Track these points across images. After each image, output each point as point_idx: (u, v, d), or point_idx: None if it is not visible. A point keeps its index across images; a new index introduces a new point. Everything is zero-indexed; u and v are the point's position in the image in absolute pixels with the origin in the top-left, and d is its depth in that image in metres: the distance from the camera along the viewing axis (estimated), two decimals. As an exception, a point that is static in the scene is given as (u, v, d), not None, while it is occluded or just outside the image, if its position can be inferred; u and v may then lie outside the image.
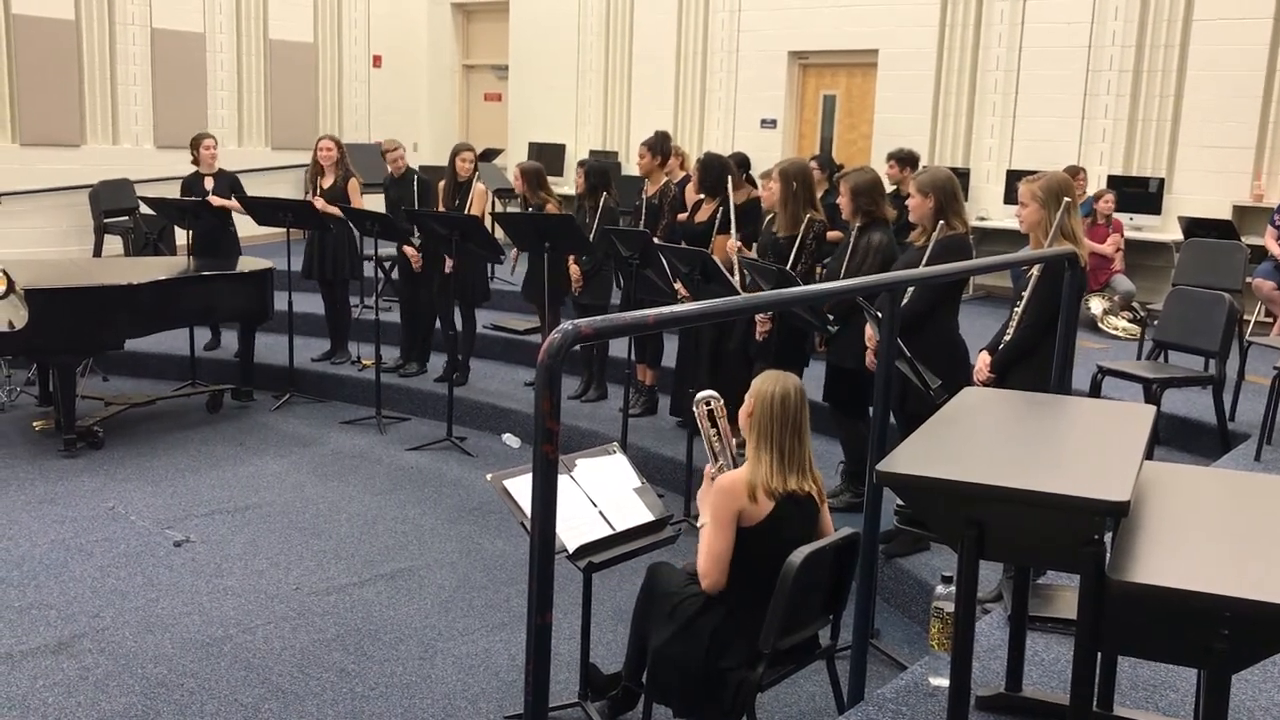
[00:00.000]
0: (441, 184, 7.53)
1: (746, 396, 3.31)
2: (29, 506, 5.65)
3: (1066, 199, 4.30)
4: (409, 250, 7.48)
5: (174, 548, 5.21)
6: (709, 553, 3.23)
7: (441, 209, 7.36)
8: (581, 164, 7.61)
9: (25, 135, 9.96)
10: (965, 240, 4.67)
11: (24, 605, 4.55)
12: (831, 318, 4.95)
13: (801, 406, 3.26)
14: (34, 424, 6.88)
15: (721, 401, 3.49)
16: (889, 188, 7.12)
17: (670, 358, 6.92)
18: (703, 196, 6.46)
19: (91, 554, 5.10)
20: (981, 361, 4.56)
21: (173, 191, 8.37)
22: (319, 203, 7.62)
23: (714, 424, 3.46)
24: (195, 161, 8.12)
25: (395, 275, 8.26)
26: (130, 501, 5.79)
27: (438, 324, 7.73)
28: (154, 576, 4.88)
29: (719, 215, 6.21)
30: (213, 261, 7.65)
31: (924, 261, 4.55)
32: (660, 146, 7.05)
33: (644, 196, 7.03)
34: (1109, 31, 9.35)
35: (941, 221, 4.61)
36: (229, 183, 8.18)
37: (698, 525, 3.40)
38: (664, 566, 3.53)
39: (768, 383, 3.27)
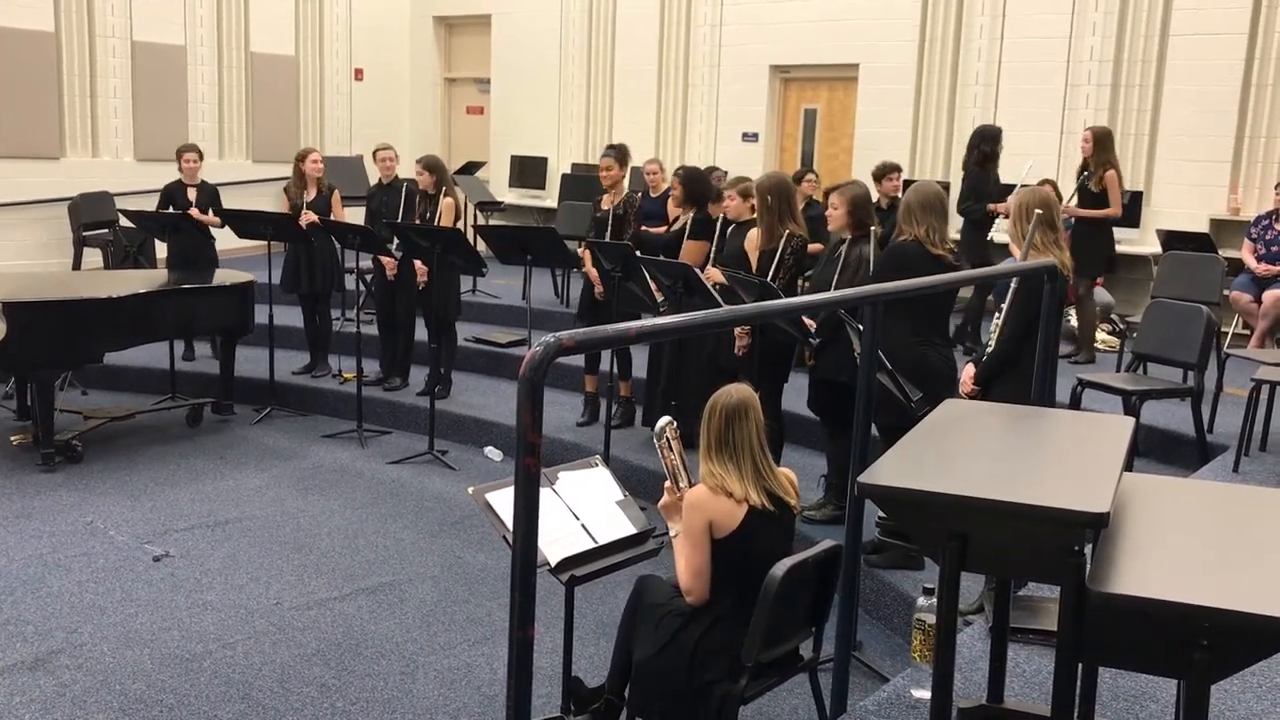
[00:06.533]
0: (418, 195, 7.51)
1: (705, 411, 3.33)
2: (6, 521, 5.60)
3: (1039, 211, 4.34)
4: (385, 259, 7.46)
5: (153, 563, 5.17)
6: (688, 568, 3.25)
7: (416, 220, 7.35)
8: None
9: (3, 147, 9.88)
10: (906, 248, 4.67)
11: (0, 621, 4.51)
12: (815, 327, 4.96)
13: (749, 417, 3.27)
14: (11, 438, 6.83)
15: (675, 425, 3.50)
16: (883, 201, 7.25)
17: (639, 369, 6.93)
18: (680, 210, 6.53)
19: (69, 569, 5.05)
20: (966, 374, 4.59)
21: (153, 203, 8.33)
22: (309, 216, 7.59)
23: (672, 449, 3.46)
24: (180, 170, 8.12)
25: (374, 287, 8.24)
26: (109, 516, 5.74)
27: (420, 336, 7.70)
28: (133, 592, 4.84)
29: (688, 225, 6.35)
30: (190, 275, 7.62)
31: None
32: (624, 157, 7.05)
33: (605, 208, 6.96)
34: (1087, 46, 9.43)
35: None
36: (210, 194, 8.17)
37: (671, 535, 3.40)
38: (652, 579, 3.53)
39: (720, 396, 3.31)
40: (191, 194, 8.07)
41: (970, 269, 6.19)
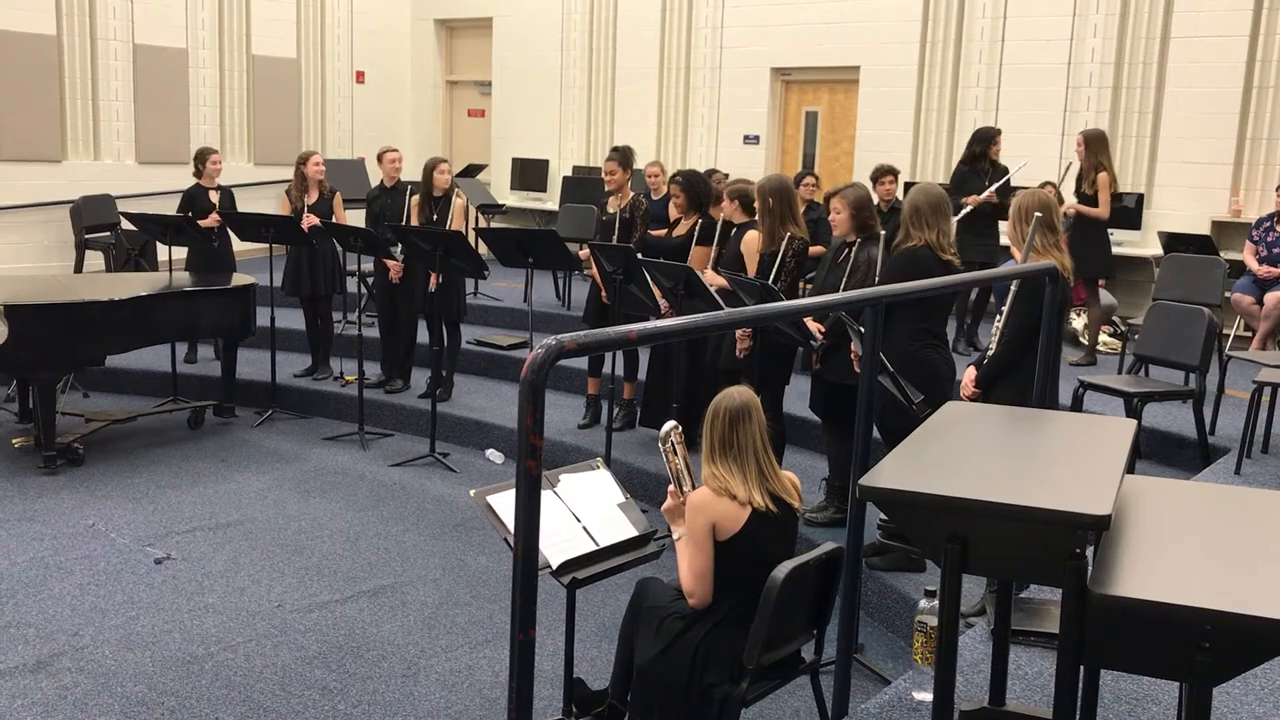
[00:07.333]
0: (415, 198, 7.50)
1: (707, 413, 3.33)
2: (7, 524, 5.60)
3: (1039, 214, 4.33)
4: (390, 262, 7.46)
5: (155, 565, 5.17)
6: (691, 570, 3.24)
7: (416, 223, 7.34)
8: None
9: (5, 151, 9.90)
10: (919, 253, 4.64)
11: (2, 624, 4.51)
12: (823, 330, 4.95)
13: (752, 419, 3.26)
14: (13, 441, 6.83)
15: (681, 429, 3.50)
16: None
17: (644, 371, 6.92)
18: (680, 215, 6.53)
19: (71, 572, 5.05)
20: (967, 377, 4.58)
21: (154, 206, 8.34)
22: (312, 219, 7.60)
23: (676, 453, 3.46)
24: (198, 175, 8.10)
25: (375, 290, 8.24)
26: (111, 519, 5.74)
27: (421, 339, 7.71)
28: (134, 594, 4.84)
29: (696, 229, 6.35)
30: (200, 277, 7.63)
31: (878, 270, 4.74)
32: (628, 160, 7.05)
33: (611, 211, 6.97)
34: (1088, 49, 9.43)
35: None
36: (230, 198, 8.18)
37: (674, 538, 3.40)
38: (652, 582, 3.53)
39: (723, 398, 3.30)
40: (214, 197, 8.06)
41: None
